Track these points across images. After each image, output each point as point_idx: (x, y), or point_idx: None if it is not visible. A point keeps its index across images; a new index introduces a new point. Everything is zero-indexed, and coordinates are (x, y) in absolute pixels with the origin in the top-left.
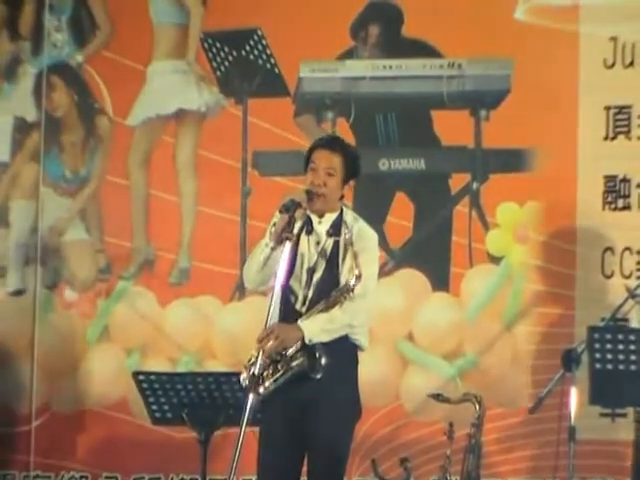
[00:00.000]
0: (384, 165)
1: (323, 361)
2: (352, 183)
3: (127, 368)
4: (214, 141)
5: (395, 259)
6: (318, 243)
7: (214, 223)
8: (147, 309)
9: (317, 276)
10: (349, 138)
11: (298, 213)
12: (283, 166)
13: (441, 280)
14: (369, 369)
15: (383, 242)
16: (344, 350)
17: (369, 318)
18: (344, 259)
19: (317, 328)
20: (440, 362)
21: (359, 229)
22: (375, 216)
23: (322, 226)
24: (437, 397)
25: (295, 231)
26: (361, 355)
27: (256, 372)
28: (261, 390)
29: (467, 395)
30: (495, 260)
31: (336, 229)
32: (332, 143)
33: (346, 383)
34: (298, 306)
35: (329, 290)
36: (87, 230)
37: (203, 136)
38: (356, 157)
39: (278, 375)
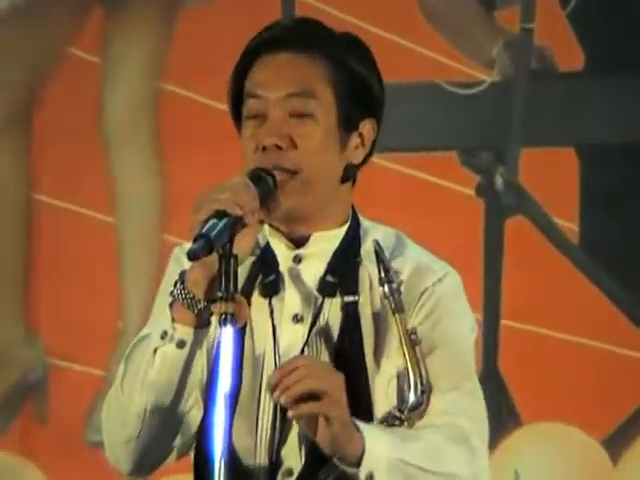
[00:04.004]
0: None
1: None
2: (370, 136)
3: None
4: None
5: None
6: (299, 318)
7: None
8: None
9: None
10: (564, 55)
11: (244, 238)
12: (390, 128)
13: None
14: None
15: None
16: None
17: None
18: (382, 347)
19: (399, 451)
20: None
21: (417, 265)
22: None
23: (307, 267)
24: None
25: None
26: None
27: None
28: None
29: None
30: None
31: (346, 272)
32: (295, 33)
33: None
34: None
35: None
36: None
37: (175, 50)
38: (366, 58)
39: None
